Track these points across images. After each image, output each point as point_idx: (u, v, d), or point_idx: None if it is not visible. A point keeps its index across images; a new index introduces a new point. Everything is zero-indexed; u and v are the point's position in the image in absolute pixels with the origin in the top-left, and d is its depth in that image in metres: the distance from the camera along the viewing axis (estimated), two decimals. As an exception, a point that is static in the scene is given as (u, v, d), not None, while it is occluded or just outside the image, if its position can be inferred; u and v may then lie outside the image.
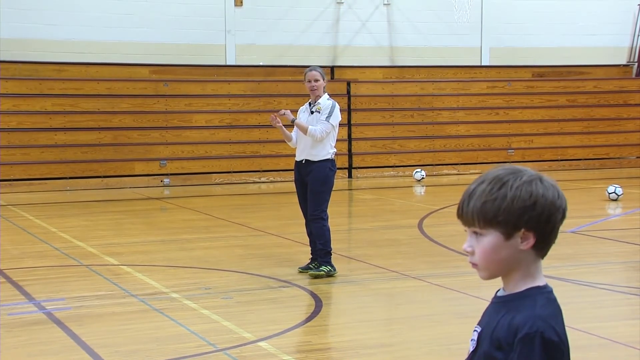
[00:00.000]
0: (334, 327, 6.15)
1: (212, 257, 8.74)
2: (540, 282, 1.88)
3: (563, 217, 1.86)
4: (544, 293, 1.87)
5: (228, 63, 17.33)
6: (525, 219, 1.81)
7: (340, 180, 16.21)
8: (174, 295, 7.00)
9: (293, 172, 7.89)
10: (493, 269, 1.87)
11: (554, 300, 1.88)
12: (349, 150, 17.19)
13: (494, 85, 18.58)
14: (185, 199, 14.25)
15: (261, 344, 5.61)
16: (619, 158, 19.05)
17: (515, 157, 18.29)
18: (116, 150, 16.00)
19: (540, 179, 1.86)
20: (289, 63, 17.36)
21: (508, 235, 1.83)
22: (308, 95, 7.86)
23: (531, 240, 1.83)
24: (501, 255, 1.85)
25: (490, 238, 1.84)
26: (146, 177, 16.06)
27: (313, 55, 17.43)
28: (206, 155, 16.57)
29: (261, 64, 17.37)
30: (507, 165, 1.90)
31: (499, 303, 1.90)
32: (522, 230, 1.82)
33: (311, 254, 7.84)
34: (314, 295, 6.94)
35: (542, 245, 1.86)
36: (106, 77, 16.26)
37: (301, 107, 7.92)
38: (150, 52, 16.67)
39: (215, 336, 5.77)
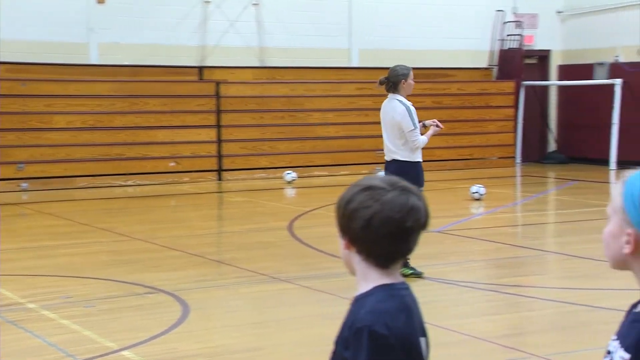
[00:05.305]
0: (201, 332, 5.99)
1: (74, 264, 8.37)
2: (388, 280, 1.89)
3: (400, 231, 1.84)
4: (388, 290, 1.87)
5: (91, 62, 16.74)
6: (337, 218, 1.92)
7: (209, 183, 15.97)
8: (31, 305, 6.64)
9: (420, 172, 7.99)
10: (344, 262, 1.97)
11: (401, 296, 1.88)
12: (219, 152, 16.92)
13: (363, 86, 18.81)
14: (45, 204, 13.63)
15: (124, 352, 5.41)
16: (481, 159, 19.73)
17: (383, 158, 18.57)
18: (-30, 153, 15.13)
19: (382, 190, 1.86)
20: (156, 63, 16.94)
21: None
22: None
23: (346, 241, 1.90)
24: (341, 250, 1.94)
25: None
26: (2, 182, 15.26)
27: (181, 55, 17.09)
28: (68, 158, 15.92)
29: (126, 63, 16.88)
30: (385, 177, 1.97)
31: (351, 304, 1.92)
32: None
33: None
34: (181, 301, 6.75)
35: (368, 253, 1.87)
36: (-41, 76, 15.35)
37: (411, 107, 8.02)
38: (4, 50, 15.85)
39: (75, 347, 5.51)
